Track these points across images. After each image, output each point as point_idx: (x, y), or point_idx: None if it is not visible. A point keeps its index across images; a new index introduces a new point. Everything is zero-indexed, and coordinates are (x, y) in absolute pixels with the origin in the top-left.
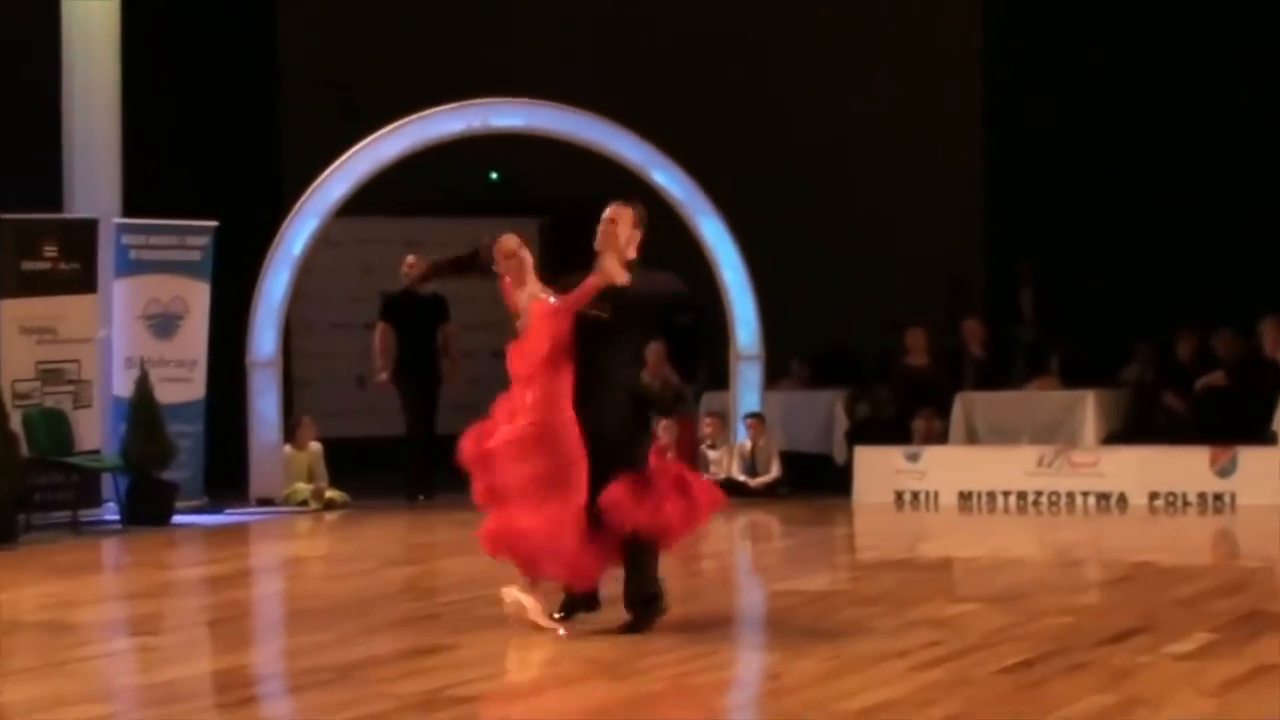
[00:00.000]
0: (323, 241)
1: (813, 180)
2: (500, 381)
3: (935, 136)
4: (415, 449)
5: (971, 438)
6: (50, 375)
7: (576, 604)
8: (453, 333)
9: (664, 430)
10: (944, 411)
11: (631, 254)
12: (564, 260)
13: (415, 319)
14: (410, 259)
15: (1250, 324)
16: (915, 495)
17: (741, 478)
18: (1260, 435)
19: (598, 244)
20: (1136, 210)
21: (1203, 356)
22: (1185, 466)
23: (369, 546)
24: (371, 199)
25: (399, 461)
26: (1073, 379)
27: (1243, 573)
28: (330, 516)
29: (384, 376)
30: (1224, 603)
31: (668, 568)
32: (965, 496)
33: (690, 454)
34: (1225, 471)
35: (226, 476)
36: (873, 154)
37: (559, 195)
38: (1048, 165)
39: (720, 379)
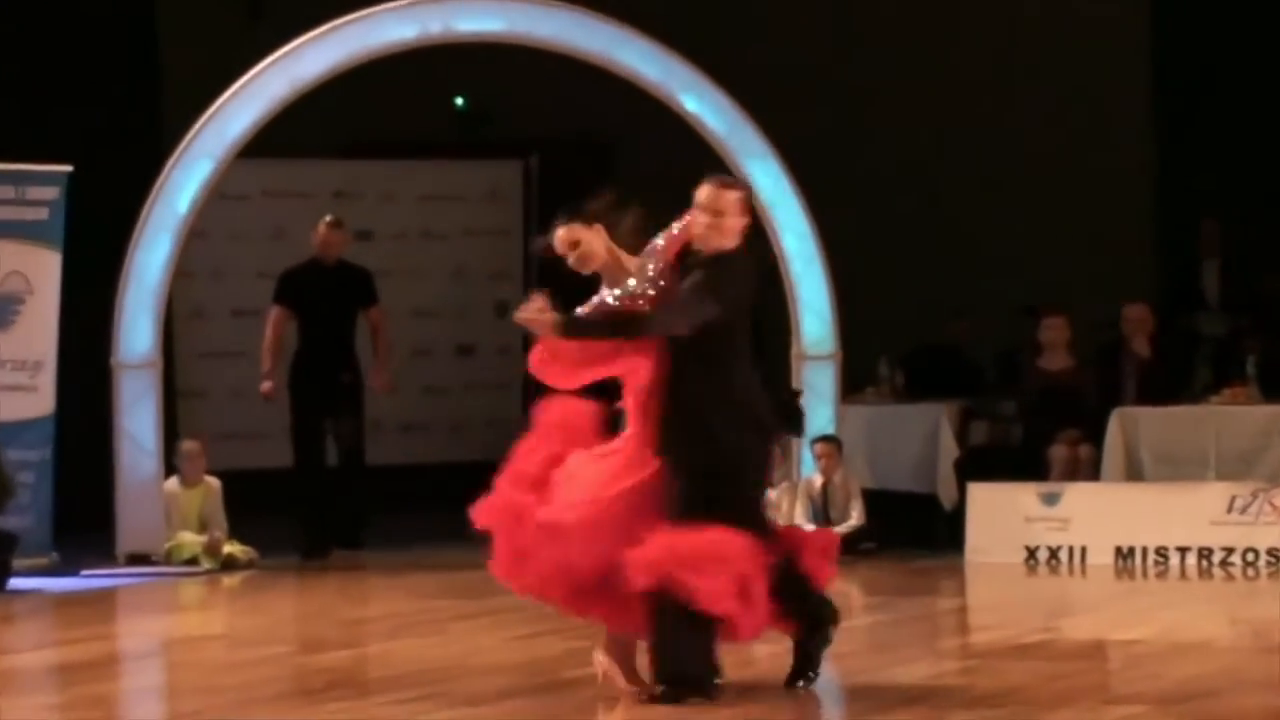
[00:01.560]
0: (219, 195)
1: (908, 110)
2: (465, 390)
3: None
4: (308, 486)
5: (1134, 471)
6: None
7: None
8: (381, 320)
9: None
10: (1095, 435)
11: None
12: (555, 209)
13: (323, 301)
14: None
15: None
16: (1054, 552)
17: (809, 528)
18: None
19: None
20: None
21: None
22: None
23: (281, 623)
24: (289, 136)
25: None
26: (1277, 389)
27: None
28: (230, 580)
29: (266, 385)
30: None
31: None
32: (1124, 554)
33: None
34: None
35: (84, 524)
36: (1000, 76)
37: (548, 129)
38: (1236, 89)
39: (774, 388)
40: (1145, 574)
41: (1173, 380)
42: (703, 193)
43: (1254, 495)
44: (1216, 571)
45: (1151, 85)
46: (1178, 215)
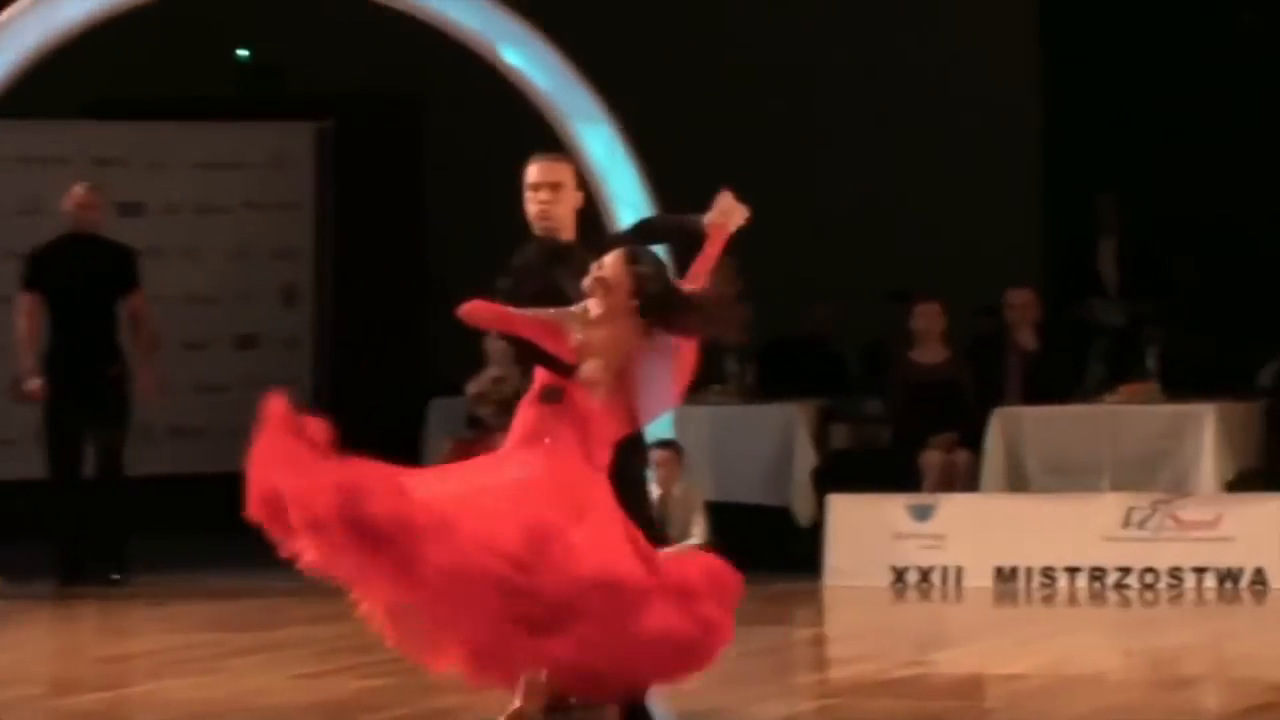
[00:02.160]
0: None
1: (767, 72)
2: (247, 388)
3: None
4: (64, 501)
5: (1018, 480)
6: None
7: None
8: (142, 308)
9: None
10: (973, 438)
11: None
12: (353, 179)
13: (79, 285)
14: None
15: None
16: (925, 573)
17: None
18: None
19: None
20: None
21: None
22: None
23: (31, 660)
24: (41, 93)
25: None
26: (1181, 386)
27: None
28: None
29: (34, 384)
30: None
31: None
32: (1006, 575)
33: None
34: None
35: None
36: (870, 37)
37: (345, 86)
38: (1130, 49)
39: None
40: (1029, 598)
41: (1062, 376)
42: (533, 170)
43: (1153, 508)
44: (1110, 595)
45: (1039, 45)
46: (1068, 189)
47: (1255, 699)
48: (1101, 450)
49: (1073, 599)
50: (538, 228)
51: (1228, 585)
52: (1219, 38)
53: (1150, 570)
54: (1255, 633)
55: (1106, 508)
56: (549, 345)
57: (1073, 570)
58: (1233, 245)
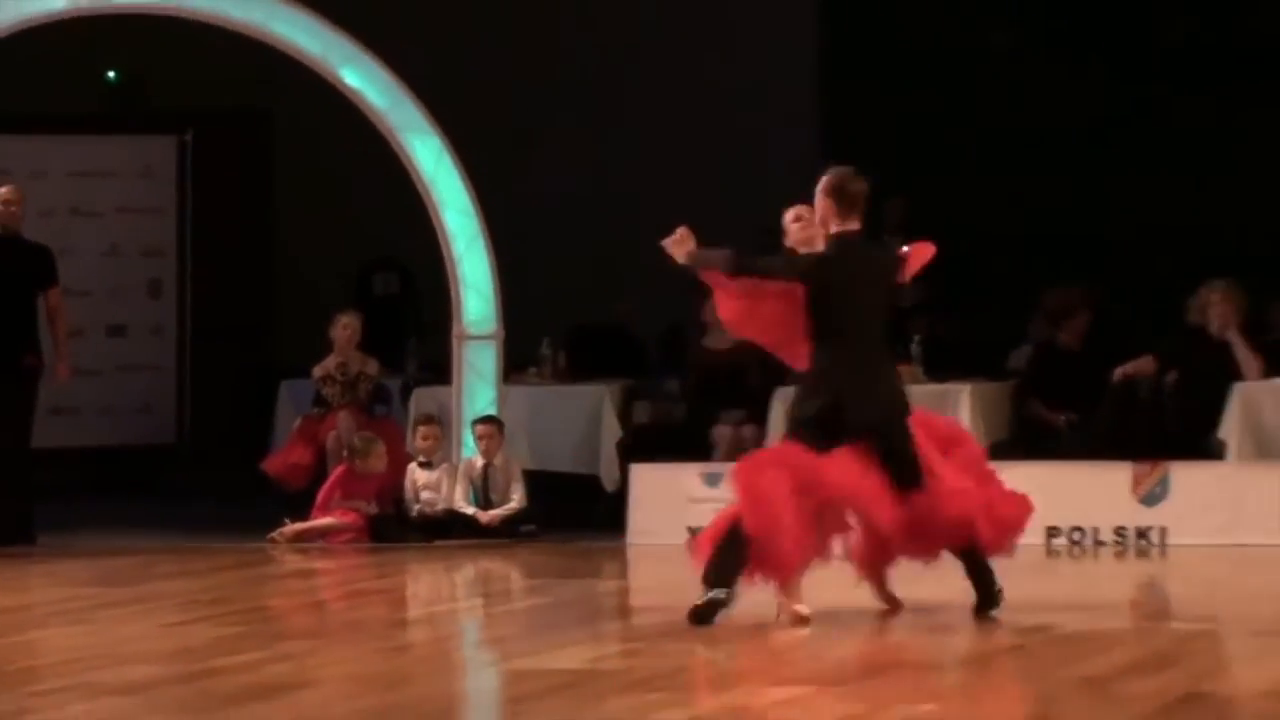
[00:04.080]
0: None
1: (571, 84)
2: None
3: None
4: None
5: None
6: None
7: None
8: (60, 302)
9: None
10: (759, 414)
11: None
12: (211, 186)
13: (2, 280)
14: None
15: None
16: None
17: (470, 510)
18: (1200, 447)
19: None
20: (1029, 137)
21: (1101, 336)
22: (1097, 492)
23: None
24: None
25: None
26: (940, 367)
27: (1174, 639)
28: None
29: None
30: (1147, 683)
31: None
32: None
33: (395, 474)
34: (1152, 498)
35: None
36: (661, 43)
37: (205, 102)
38: (904, 70)
39: (438, 368)
40: None
41: None
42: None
43: None
44: None
45: (817, 63)
46: None
47: (1005, 641)
48: None
49: (848, 555)
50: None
51: None
52: (978, 56)
53: None
54: (1008, 586)
55: None
56: None
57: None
58: (990, 246)
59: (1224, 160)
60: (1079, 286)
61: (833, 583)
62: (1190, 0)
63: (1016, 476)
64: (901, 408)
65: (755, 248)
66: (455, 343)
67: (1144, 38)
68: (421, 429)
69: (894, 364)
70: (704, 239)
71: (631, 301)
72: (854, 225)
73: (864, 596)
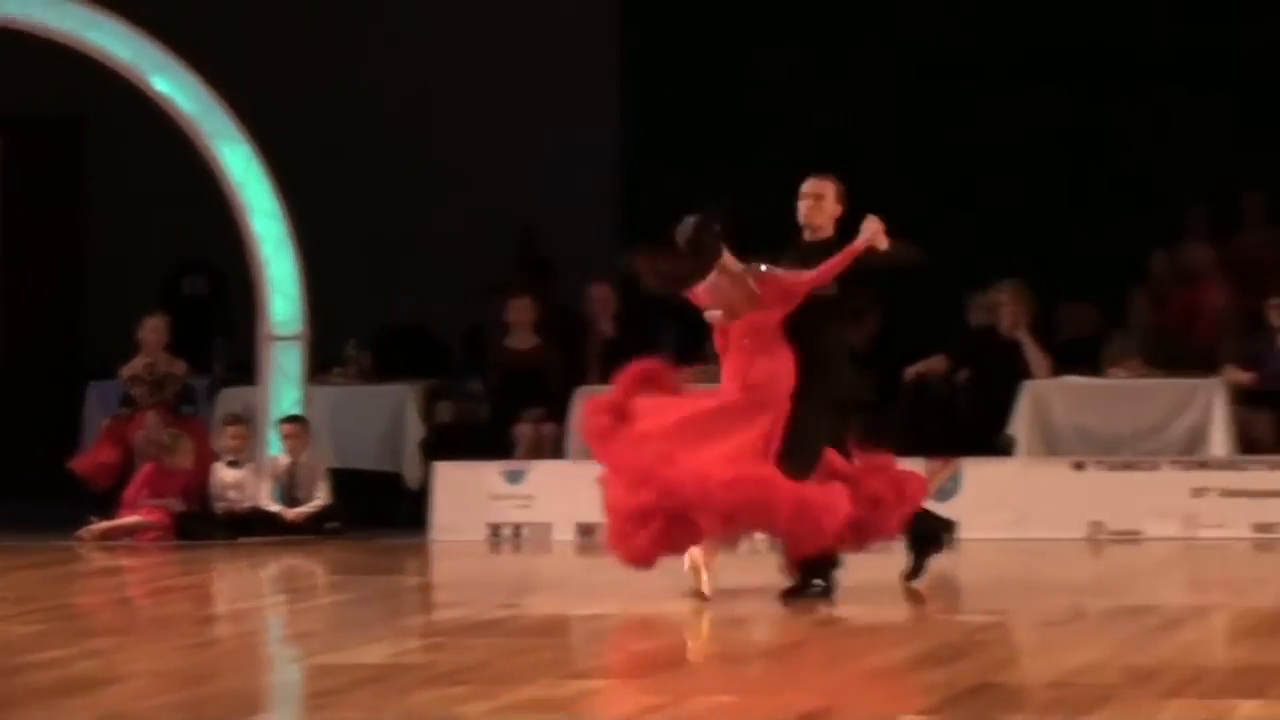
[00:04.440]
0: None
1: (384, 96)
2: None
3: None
4: None
5: None
6: None
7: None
8: None
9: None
10: (560, 413)
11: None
12: (22, 191)
13: None
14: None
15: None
16: (518, 529)
17: (275, 508)
18: (991, 444)
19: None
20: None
21: (889, 337)
22: None
23: None
24: None
25: None
26: None
27: (964, 631)
28: None
29: None
30: (938, 674)
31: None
32: (588, 531)
33: (202, 473)
34: (944, 493)
35: None
36: (463, 59)
37: (15, 108)
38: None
39: (244, 369)
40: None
41: (636, 358)
42: (805, 185)
43: None
44: None
45: (621, 75)
46: (644, 199)
47: (797, 634)
48: None
49: None
50: (805, 229)
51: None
52: (768, 70)
53: None
54: None
55: None
56: None
57: None
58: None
59: (1010, 162)
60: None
61: (641, 575)
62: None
63: None
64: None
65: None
66: (261, 343)
67: (928, 38)
68: (229, 428)
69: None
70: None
71: (436, 305)
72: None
73: (666, 586)
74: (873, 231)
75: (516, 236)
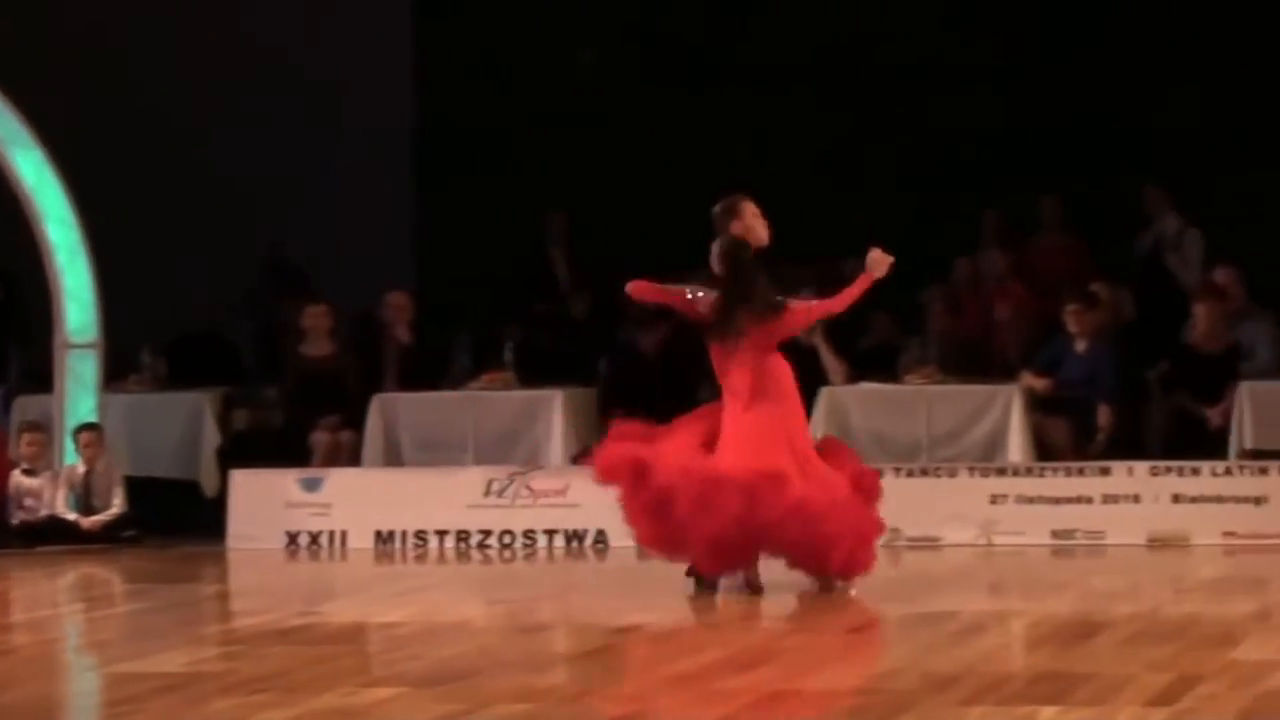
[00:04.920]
0: None
1: (173, 111)
2: None
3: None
4: None
5: (394, 456)
6: None
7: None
8: None
9: None
10: (356, 420)
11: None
12: None
13: None
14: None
15: None
16: (315, 537)
17: (71, 516)
18: None
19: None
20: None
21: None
22: None
23: None
24: None
25: None
26: (534, 373)
27: (766, 637)
28: None
29: None
30: (739, 680)
31: None
32: (384, 538)
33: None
34: None
35: None
36: (269, 60)
37: None
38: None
39: (40, 377)
40: (405, 558)
41: (432, 366)
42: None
43: (510, 479)
44: (474, 554)
45: (413, 75)
46: (437, 207)
47: (596, 642)
48: (466, 430)
49: (442, 558)
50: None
51: (574, 545)
52: (564, 71)
53: (508, 532)
54: (598, 586)
55: (470, 479)
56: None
57: (442, 533)
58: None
59: (804, 166)
60: None
61: (438, 586)
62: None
63: None
64: None
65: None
66: (57, 351)
67: (721, 40)
68: (25, 436)
69: None
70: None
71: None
72: None
73: (462, 593)
74: (882, 261)
75: (260, 251)
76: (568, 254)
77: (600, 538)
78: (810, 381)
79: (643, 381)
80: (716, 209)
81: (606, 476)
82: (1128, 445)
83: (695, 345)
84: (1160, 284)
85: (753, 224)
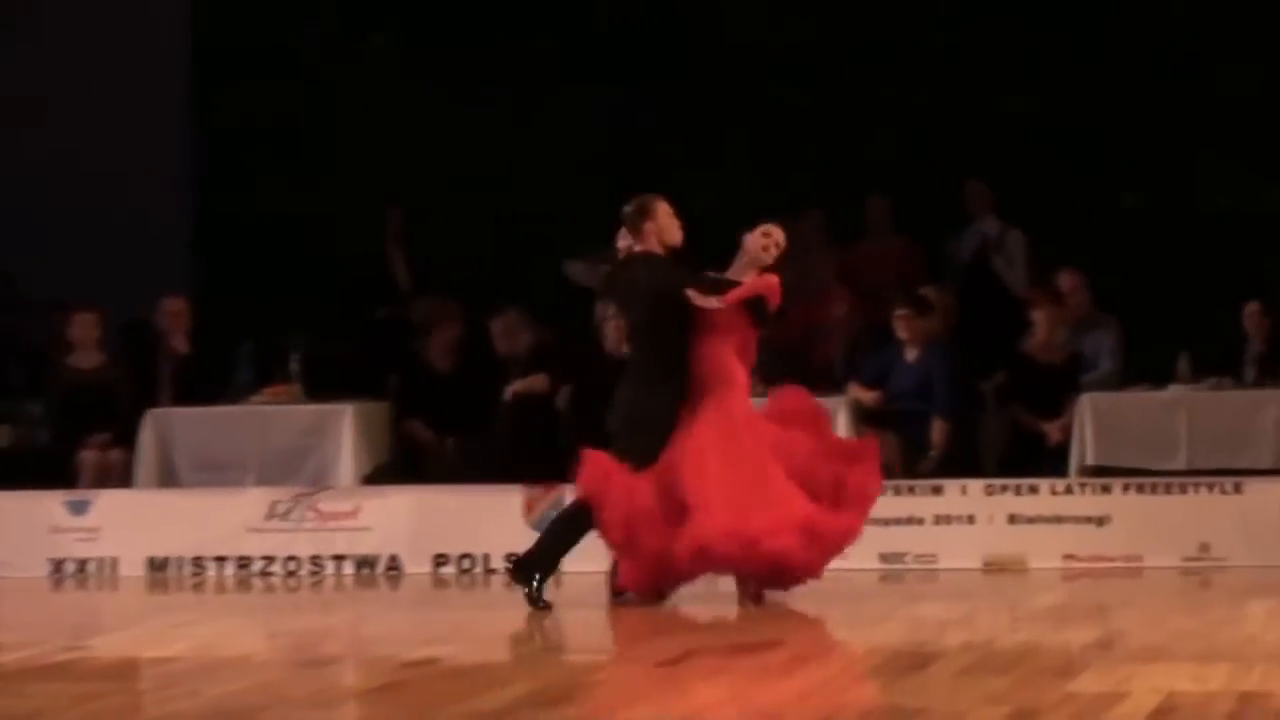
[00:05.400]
0: None
1: None
2: None
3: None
4: None
5: (169, 477)
6: None
7: None
8: None
9: None
10: (127, 437)
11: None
12: None
13: None
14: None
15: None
16: (82, 564)
17: None
18: None
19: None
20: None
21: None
22: (487, 517)
23: None
24: None
25: None
26: (322, 385)
27: (570, 672)
28: None
29: None
30: (541, 716)
31: None
32: (158, 565)
33: None
34: (544, 523)
35: None
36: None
37: None
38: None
39: None
40: (181, 586)
41: (212, 378)
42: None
43: (296, 500)
44: (256, 581)
45: (190, 70)
46: (214, 210)
47: (388, 677)
48: (248, 447)
49: (221, 586)
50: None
51: (365, 571)
52: (354, 58)
53: (293, 558)
54: (389, 615)
55: (252, 501)
56: None
57: (221, 560)
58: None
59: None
60: (450, 299)
61: (217, 617)
62: None
63: (401, 502)
64: (625, 420)
65: None
66: None
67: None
68: None
69: (640, 377)
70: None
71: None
72: (639, 245)
73: (241, 625)
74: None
75: None
76: (406, 253)
77: (393, 564)
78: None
79: (437, 395)
80: (628, 209)
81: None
82: (961, 462)
83: (488, 356)
84: (986, 288)
85: (667, 224)
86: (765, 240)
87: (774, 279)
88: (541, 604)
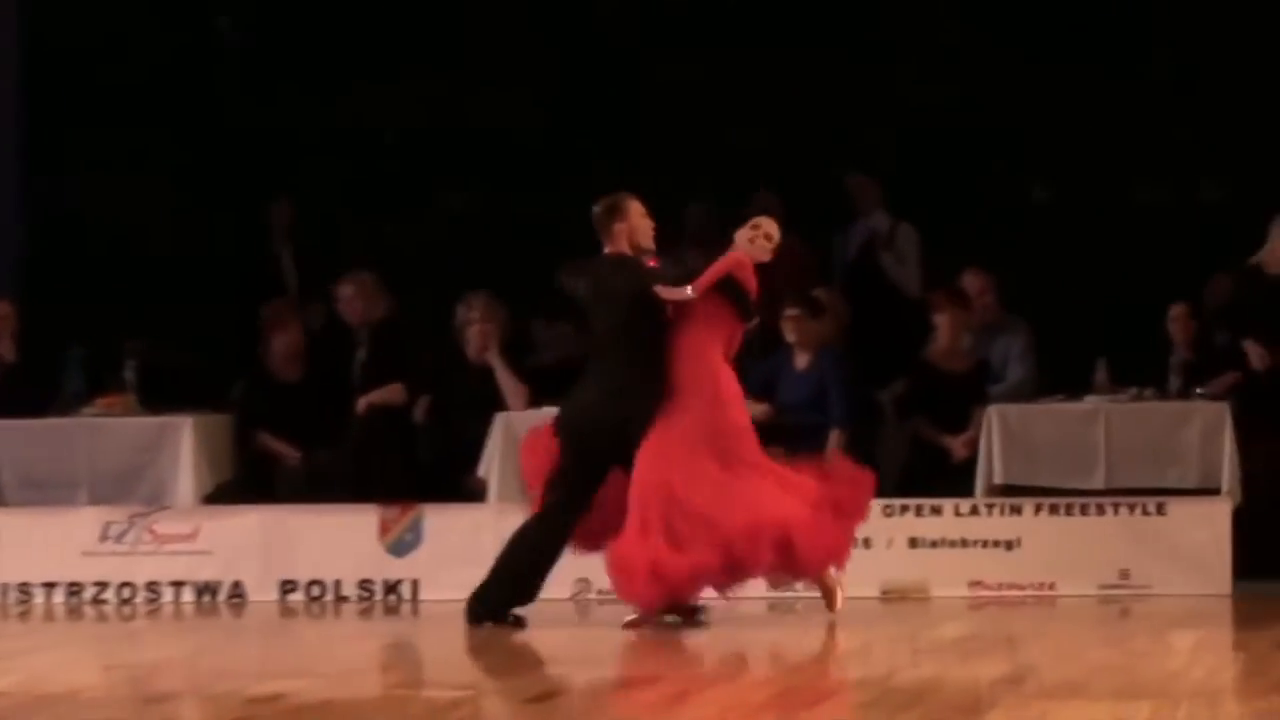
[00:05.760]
0: None
1: None
2: None
3: None
4: None
5: None
6: None
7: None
8: None
9: None
10: None
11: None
12: None
13: None
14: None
15: None
16: None
17: None
18: (457, 486)
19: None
20: None
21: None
22: (338, 540)
23: None
24: None
25: None
26: (160, 395)
27: (429, 709)
28: None
29: None
30: None
31: None
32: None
33: None
34: (402, 547)
35: None
36: None
37: None
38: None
39: None
40: (5, 615)
41: (39, 387)
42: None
43: (131, 521)
44: (89, 609)
45: (19, 59)
46: (46, 206)
47: (231, 714)
48: (79, 463)
49: (49, 615)
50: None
51: (206, 598)
52: (203, 44)
53: (128, 584)
54: (234, 646)
55: (84, 521)
56: None
57: (50, 586)
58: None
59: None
60: (289, 298)
61: (46, 648)
62: None
63: (245, 523)
64: (584, 420)
65: None
66: None
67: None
68: None
69: (607, 376)
70: None
71: None
72: (608, 246)
73: (72, 657)
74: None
75: None
76: (294, 251)
77: (236, 590)
78: (483, 406)
79: (282, 406)
80: (597, 208)
81: None
82: None
83: (337, 363)
84: (875, 288)
85: (639, 223)
86: (754, 233)
87: (741, 255)
88: (511, 619)
